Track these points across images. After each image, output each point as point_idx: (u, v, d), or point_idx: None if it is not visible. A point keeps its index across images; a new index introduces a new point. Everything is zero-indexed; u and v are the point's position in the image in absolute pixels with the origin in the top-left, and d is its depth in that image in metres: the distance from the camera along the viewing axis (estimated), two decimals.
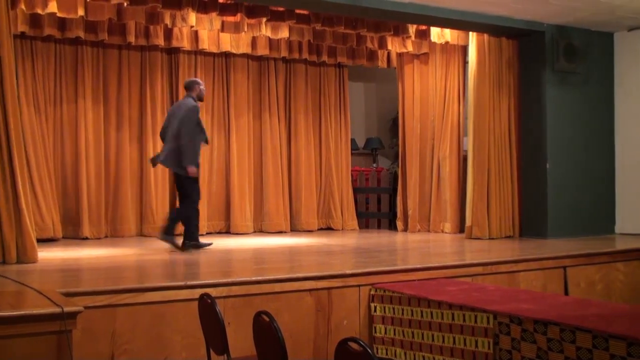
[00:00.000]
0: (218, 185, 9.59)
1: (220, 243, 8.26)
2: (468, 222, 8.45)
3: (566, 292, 6.37)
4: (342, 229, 9.99)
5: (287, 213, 9.88)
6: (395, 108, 10.32)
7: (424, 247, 7.76)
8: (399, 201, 9.80)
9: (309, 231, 9.85)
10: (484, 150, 8.44)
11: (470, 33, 8.59)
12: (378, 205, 10.34)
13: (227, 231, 9.52)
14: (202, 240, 7.62)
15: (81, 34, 8.18)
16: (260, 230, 9.72)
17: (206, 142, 7.26)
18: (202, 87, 7.28)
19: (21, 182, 5.93)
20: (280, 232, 9.64)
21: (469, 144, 8.56)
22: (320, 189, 10.16)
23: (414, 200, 9.58)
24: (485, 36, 8.52)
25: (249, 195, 9.63)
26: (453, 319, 4.62)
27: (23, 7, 7.01)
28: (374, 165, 10.84)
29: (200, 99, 7.25)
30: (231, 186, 9.55)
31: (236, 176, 9.56)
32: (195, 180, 7.09)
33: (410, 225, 9.59)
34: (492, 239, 8.37)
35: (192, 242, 7.20)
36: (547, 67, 8.43)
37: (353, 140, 10.59)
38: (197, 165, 7.03)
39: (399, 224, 9.75)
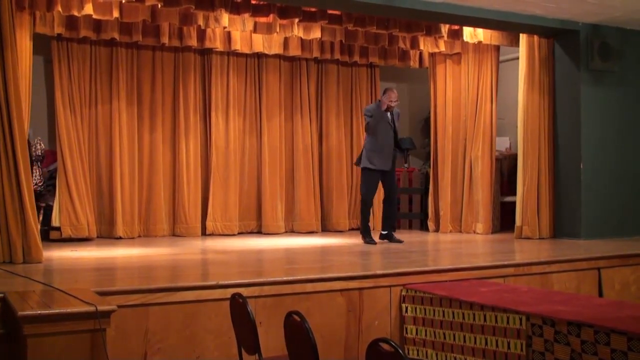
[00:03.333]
0: (250, 185, 9.65)
1: (252, 243, 8.31)
2: (518, 222, 8.44)
3: (600, 294, 6.28)
4: (373, 229, 9.76)
5: (318, 213, 9.89)
6: (427, 108, 10.32)
7: (456, 247, 7.73)
8: (430, 202, 9.77)
9: (340, 231, 9.85)
10: (534, 150, 8.43)
11: (521, 35, 8.59)
12: (409, 206, 10.30)
13: (259, 231, 9.58)
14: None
15: (116, 35, 8.25)
16: (291, 231, 9.75)
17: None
18: (384, 96, 7.72)
19: (26, 183, 5.92)
20: (311, 232, 9.66)
21: (519, 143, 8.56)
22: (351, 190, 10.16)
23: (445, 201, 9.55)
24: (536, 37, 8.50)
25: (281, 195, 9.66)
26: (485, 320, 4.59)
27: (60, 9, 7.09)
28: (406, 165, 10.78)
29: (386, 104, 7.68)
30: (263, 186, 9.60)
31: (268, 176, 9.61)
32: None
33: (441, 226, 9.56)
34: (542, 238, 8.34)
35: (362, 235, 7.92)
36: (581, 66, 8.34)
37: None
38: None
39: (431, 225, 9.73)
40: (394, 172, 7.94)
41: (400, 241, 7.90)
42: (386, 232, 8.05)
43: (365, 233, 7.92)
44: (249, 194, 9.63)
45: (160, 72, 9.13)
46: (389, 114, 7.81)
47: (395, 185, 8.05)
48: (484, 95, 9.28)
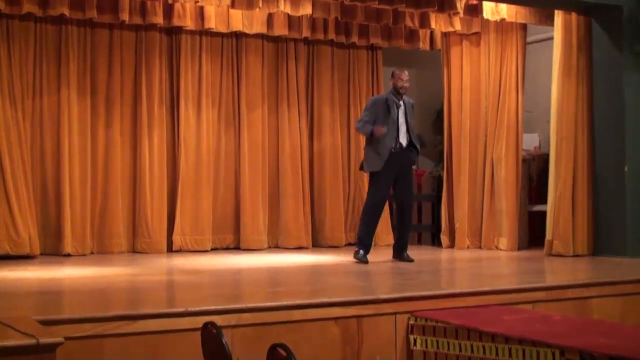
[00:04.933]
0: (226, 191, 9.63)
1: (228, 261, 8.30)
2: (549, 236, 8.47)
3: None
4: (375, 245, 9.67)
5: (309, 225, 9.90)
6: (440, 99, 10.31)
7: (475, 266, 7.77)
8: (443, 211, 9.76)
9: (335, 247, 9.83)
10: (569, 149, 8.46)
11: (556, 11, 8.64)
12: (418, 216, 10.29)
13: (237, 247, 9.56)
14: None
15: (66, 11, 8.22)
16: (275, 246, 9.75)
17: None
18: (396, 77, 7.89)
19: None
20: (300, 248, 9.64)
21: (551, 141, 8.60)
22: (349, 197, 10.13)
23: (462, 210, 9.55)
24: (573, 15, 8.55)
25: (263, 203, 9.65)
26: (510, 355, 4.58)
27: None
28: (414, 167, 10.67)
29: (397, 90, 7.91)
30: (242, 193, 9.58)
31: (248, 181, 9.58)
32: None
33: (457, 241, 9.56)
34: (578, 256, 8.36)
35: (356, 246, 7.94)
36: (624, 48, 8.36)
37: None
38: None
39: (444, 239, 9.72)
40: (408, 175, 8.00)
41: (410, 260, 7.89)
42: (400, 247, 8.08)
43: (362, 243, 7.87)
44: (224, 202, 9.62)
45: (119, 56, 9.10)
46: (396, 107, 7.86)
47: (410, 189, 8.12)
48: (507, 84, 9.30)
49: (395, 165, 7.78)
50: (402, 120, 7.89)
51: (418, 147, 8.03)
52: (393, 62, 10.65)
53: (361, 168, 8.10)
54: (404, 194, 7.97)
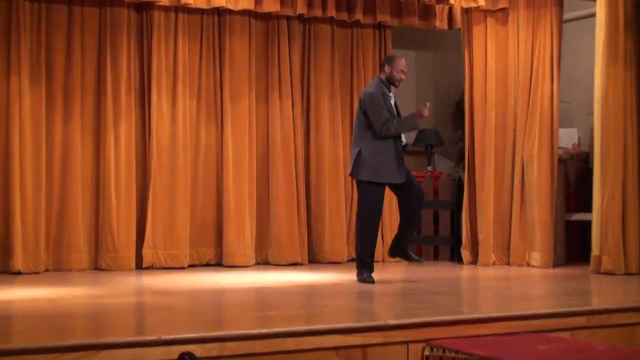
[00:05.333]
0: (206, 197, 9.66)
1: (209, 280, 8.32)
2: (595, 251, 8.44)
3: None
4: (383, 261, 9.98)
5: (305, 237, 9.93)
6: (460, 87, 10.33)
7: (502, 287, 7.75)
8: (464, 221, 9.80)
9: (336, 263, 9.87)
10: (617, 147, 8.43)
11: None
12: (435, 227, 10.34)
13: (219, 263, 9.60)
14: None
15: None
16: (265, 262, 9.78)
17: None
18: (394, 65, 7.80)
19: None
20: (294, 265, 9.68)
21: (595, 138, 8.60)
22: (352, 203, 10.10)
23: (486, 220, 9.56)
24: None
25: (250, 211, 9.68)
26: None
27: None
28: (429, 168, 10.86)
29: (390, 81, 7.84)
30: (224, 198, 9.60)
31: (232, 184, 9.60)
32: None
33: (481, 256, 9.58)
34: (630, 274, 8.32)
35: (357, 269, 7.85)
36: None
37: None
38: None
39: (465, 254, 9.76)
40: (410, 173, 7.96)
41: (419, 259, 7.96)
42: (399, 243, 7.99)
43: (363, 264, 7.83)
44: (204, 209, 9.65)
45: (80, 36, 9.13)
46: (392, 98, 7.91)
47: (419, 185, 8.07)
48: (541, 69, 9.32)
49: (400, 167, 7.82)
50: (395, 113, 7.88)
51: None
52: (404, 43, 10.73)
53: (352, 174, 7.91)
54: (413, 186, 7.86)
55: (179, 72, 9.49)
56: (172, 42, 9.46)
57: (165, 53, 9.43)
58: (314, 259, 9.96)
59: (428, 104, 7.77)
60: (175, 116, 9.46)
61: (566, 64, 9.58)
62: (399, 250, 7.98)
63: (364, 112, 7.74)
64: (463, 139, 10.10)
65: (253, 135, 9.78)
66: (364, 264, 7.79)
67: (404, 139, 7.84)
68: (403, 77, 7.88)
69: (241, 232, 9.59)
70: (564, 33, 9.38)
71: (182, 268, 9.26)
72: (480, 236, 9.61)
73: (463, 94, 10.08)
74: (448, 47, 10.93)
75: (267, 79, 9.92)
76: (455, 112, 10.96)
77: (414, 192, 7.80)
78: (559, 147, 9.40)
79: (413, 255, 7.96)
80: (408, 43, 10.88)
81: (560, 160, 9.46)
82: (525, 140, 9.38)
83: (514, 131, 9.52)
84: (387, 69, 7.85)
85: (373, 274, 7.75)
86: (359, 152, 7.72)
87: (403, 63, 7.87)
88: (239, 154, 9.67)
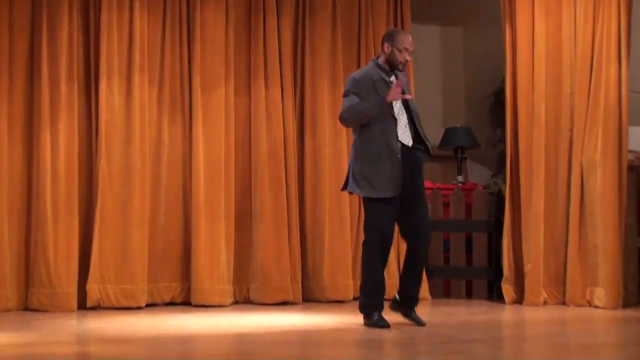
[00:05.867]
0: (170, 216, 9.67)
1: (173, 324, 8.39)
2: None
3: None
4: (391, 300, 9.86)
5: (297, 268, 9.89)
6: (500, 74, 10.39)
7: (557, 333, 7.75)
8: (506, 247, 9.74)
9: (338, 302, 9.83)
10: None
11: None
12: (467, 255, 10.35)
13: (186, 301, 9.59)
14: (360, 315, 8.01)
15: None
16: (246, 301, 9.78)
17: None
18: (395, 42, 7.79)
19: None
20: (284, 304, 9.65)
21: None
22: (359, 223, 9.98)
23: (535, 246, 9.51)
24: None
25: (227, 234, 9.68)
26: None
27: None
28: (459, 179, 10.89)
29: (392, 64, 7.84)
30: (193, 216, 9.60)
31: (203, 197, 9.59)
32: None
33: (528, 293, 9.52)
34: None
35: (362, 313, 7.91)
36: None
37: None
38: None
39: (508, 290, 9.69)
40: (420, 191, 7.92)
41: (421, 323, 7.87)
42: (404, 300, 8.01)
43: (368, 305, 7.82)
44: (167, 231, 9.65)
45: (7, 8, 9.14)
46: (387, 88, 7.83)
47: (426, 215, 8.01)
48: (604, 51, 9.35)
49: (397, 176, 7.73)
50: (399, 107, 7.82)
51: (428, 143, 7.99)
52: (425, 16, 10.88)
53: (345, 188, 8.06)
54: (415, 216, 7.83)
55: (135, 53, 9.46)
56: (126, 16, 9.44)
57: (117, 30, 9.43)
58: (309, 297, 9.93)
59: (394, 80, 7.75)
60: (130, 110, 9.43)
61: (637, 43, 9.62)
62: (400, 305, 8.01)
63: None
64: (503, 140, 10.10)
65: (231, 135, 9.75)
66: (370, 302, 7.80)
67: (403, 137, 7.77)
68: (408, 57, 7.86)
69: (215, 261, 9.54)
70: (634, 5, 9.44)
71: (139, 308, 9.23)
72: (527, 267, 9.54)
73: (503, 81, 10.10)
74: (483, 20, 11.07)
75: (249, 61, 9.94)
76: (494, 105, 11.08)
77: (419, 226, 7.82)
78: (629, 151, 9.40)
79: (414, 316, 7.91)
80: (430, 16, 11.06)
81: (631, 167, 9.47)
82: (585, 141, 9.39)
83: (570, 130, 9.52)
84: (386, 47, 7.88)
85: (385, 315, 7.75)
86: (351, 157, 7.96)
87: (407, 39, 7.87)
88: (213, 159, 9.63)
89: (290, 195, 9.91)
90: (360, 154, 7.77)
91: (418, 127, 7.83)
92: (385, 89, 7.72)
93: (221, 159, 9.66)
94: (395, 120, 7.73)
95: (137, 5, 9.46)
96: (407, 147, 7.74)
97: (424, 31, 11.03)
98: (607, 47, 9.33)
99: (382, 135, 7.69)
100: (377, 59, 7.94)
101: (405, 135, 7.76)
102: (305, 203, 10.08)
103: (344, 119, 7.83)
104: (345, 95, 7.81)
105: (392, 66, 7.82)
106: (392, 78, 7.82)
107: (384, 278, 7.94)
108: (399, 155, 7.66)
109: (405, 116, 7.80)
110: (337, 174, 9.91)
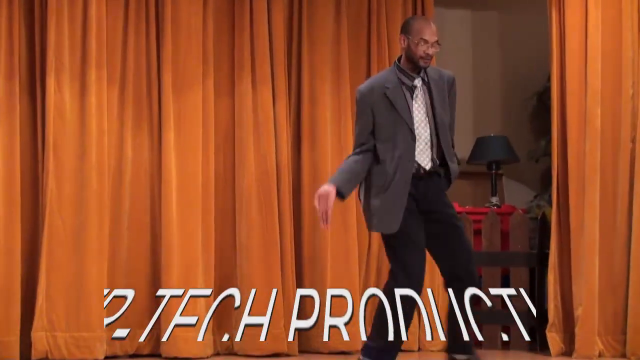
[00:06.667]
0: (133, 245, 9.17)
1: None
2: None
3: None
4: (420, 350, 9.59)
5: (292, 312, 8.74)
6: (544, 70, 10.02)
7: None
8: (551, 285, 9.20)
9: (343, 354, 9.21)
10: None
11: None
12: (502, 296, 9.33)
13: (153, 352, 9.07)
14: None
15: None
16: (229, 352, 9.30)
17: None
18: (412, 33, 6.93)
19: None
20: (276, 357, 9.18)
21: None
22: (370, 251, 9.61)
23: (588, 283, 8.90)
24: None
25: (205, 270, 9.19)
26: None
27: None
28: (493, 200, 10.40)
29: (412, 62, 6.94)
30: (163, 248, 9.14)
31: (175, 226, 9.12)
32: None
33: (579, 343, 8.88)
34: None
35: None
36: None
37: None
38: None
39: (554, 339, 9.10)
40: (455, 224, 7.17)
41: None
42: (457, 347, 7.20)
43: (373, 354, 7.14)
44: (131, 267, 9.20)
45: None
46: (410, 94, 6.99)
47: (466, 240, 7.31)
48: None
49: (412, 208, 6.98)
50: (421, 117, 6.95)
51: (451, 165, 7.18)
52: (452, 2, 10.92)
53: (370, 228, 7.47)
54: (451, 253, 7.09)
55: (91, 47, 9.02)
56: (80, 2, 8.98)
57: (69, 18, 9.00)
58: (308, 347, 9.35)
59: (419, 84, 6.95)
60: (84, 115, 8.98)
61: None
62: (452, 342, 7.32)
63: None
64: (548, 153, 9.65)
65: (210, 147, 9.26)
66: (379, 353, 7.16)
67: (420, 158, 6.96)
68: (430, 52, 6.91)
69: (190, 303, 8.35)
70: None
71: None
72: (579, 310, 8.94)
73: (548, 80, 9.59)
74: (523, 5, 10.78)
75: (232, 56, 9.48)
76: (537, 109, 10.72)
77: (447, 258, 7.14)
78: None
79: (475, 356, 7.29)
80: (459, 2, 11.05)
81: None
82: None
83: (633, 141, 9.00)
84: (402, 40, 6.99)
85: None
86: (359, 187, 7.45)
87: (428, 28, 6.93)
88: (187, 176, 9.17)
89: (283, 223, 9.37)
90: (371, 180, 7.02)
91: (443, 145, 6.93)
92: (405, 97, 6.86)
93: (198, 177, 9.16)
94: (413, 135, 6.83)
95: None
96: (424, 169, 6.89)
97: (450, 17, 11.05)
98: None
99: (395, 160, 6.86)
100: (399, 59, 7.10)
101: (423, 156, 6.89)
102: (302, 231, 9.54)
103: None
104: (356, 117, 7.12)
105: (413, 64, 6.90)
106: (417, 81, 6.90)
107: (397, 321, 7.10)
108: (409, 182, 6.88)
109: (429, 130, 6.90)
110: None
